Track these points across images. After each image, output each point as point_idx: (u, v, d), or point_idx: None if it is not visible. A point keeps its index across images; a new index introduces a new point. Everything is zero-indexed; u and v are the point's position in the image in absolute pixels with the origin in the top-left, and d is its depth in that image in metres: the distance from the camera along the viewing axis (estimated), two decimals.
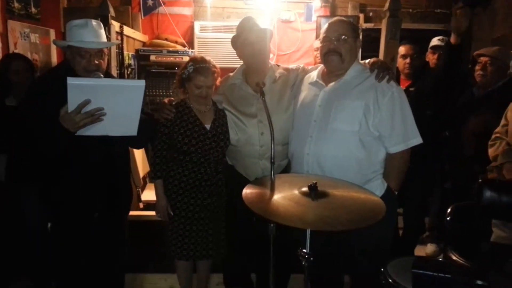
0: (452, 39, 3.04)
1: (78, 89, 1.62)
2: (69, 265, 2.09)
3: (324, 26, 2.05)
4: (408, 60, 3.07)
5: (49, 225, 2.39)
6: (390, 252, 2.02)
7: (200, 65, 2.18)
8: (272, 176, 1.74)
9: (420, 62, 3.16)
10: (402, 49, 3.09)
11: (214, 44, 4.19)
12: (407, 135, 1.94)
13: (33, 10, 3.36)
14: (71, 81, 1.58)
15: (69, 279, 2.13)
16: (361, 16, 4.36)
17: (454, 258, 2.27)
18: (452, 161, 3.18)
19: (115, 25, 3.31)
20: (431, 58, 3.36)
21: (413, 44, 3.10)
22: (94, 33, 1.92)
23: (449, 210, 2.46)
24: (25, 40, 3.23)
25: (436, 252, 3.37)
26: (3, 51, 2.92)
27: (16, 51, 3.06)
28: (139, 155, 3.64)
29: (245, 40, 2.19)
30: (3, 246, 2.74)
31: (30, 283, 2.84)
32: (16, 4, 3.12)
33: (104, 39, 2.00)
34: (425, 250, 3.41)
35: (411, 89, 3.04)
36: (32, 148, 1.97)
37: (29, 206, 2.65)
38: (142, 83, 1.69)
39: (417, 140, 1.97)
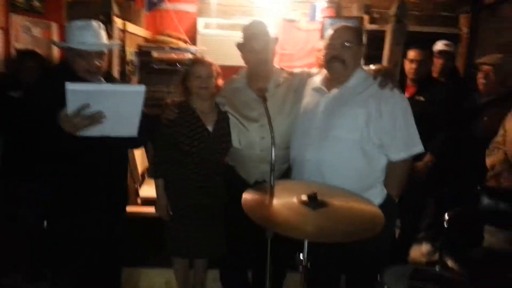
0: None
1: (77, 94, 1.61)
2: (66, 260, 2.09)
3: (329, 32, 2.02)
4: (414, 66, 2.97)
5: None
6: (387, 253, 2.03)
7: (197, 58, 2.33)
8: (272, 183, 1.74)
9: (427, 69, 3.07)
10: (411, 54, 3.00)
11: (217, 41, 4.13)
12: (409, 143, 1.93)
13: (36, 3, 3.34)
14: (70, 86, 1.57)
15: (66, 272, 2.14)
16: (366, 17, 4.33)
17: (450, 264, 2.30)
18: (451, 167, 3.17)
19: (118, 22, 3.29)
20: (436, 63, 3.28)
21: (423, 49, 3.00)
22: (95, 35, 1.91)
23: (446, 215, 2.45)
24: (27, 34, 3.21)
25: (431, 251, 3.35)
26: (5, 46, 2.91)
27: (17, 45, 3.04)
28: (138, 152, 3.65)
29: (249, 48, 2.18)
30: None
31: (21, 277, 2.86)
32: None
33: (105, 40, 1.99)
34: (420, 249, 3.41)
35: (417, 97, 2.94)
36: (30, 144, 1.98)
37: (25, 203, 2.67)
38: (142, 88, 1.69)
39: (419, 148, 1.96)
